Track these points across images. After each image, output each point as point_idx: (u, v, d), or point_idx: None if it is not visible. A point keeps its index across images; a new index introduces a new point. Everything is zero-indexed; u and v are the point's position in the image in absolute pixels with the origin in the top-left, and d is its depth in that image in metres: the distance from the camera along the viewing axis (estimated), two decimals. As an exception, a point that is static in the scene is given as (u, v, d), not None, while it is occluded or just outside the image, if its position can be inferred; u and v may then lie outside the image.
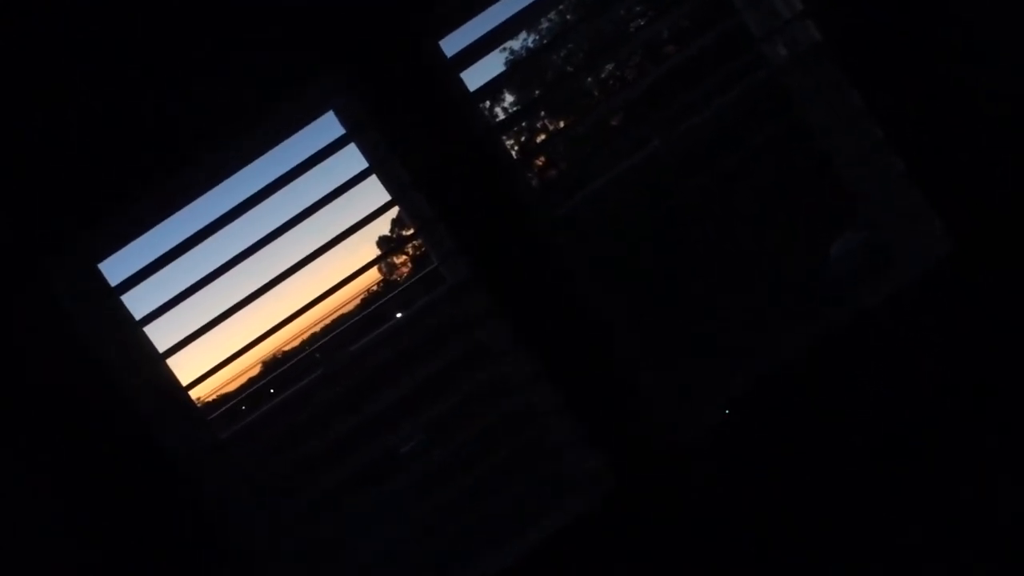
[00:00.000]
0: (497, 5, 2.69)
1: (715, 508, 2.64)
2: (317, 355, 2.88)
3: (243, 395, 2.91)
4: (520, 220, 2.55)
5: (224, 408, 2.84)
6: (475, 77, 2.55)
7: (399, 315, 2.74)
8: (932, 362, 2.70)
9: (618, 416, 2.61)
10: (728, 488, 2.64)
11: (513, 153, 2.92)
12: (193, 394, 2.63)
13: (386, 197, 2.60)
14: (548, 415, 2.65)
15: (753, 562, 2.64)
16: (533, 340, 2.58)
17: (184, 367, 2.70)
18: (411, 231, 2.75)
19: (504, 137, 2.87)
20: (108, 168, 2.39)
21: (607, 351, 2.60)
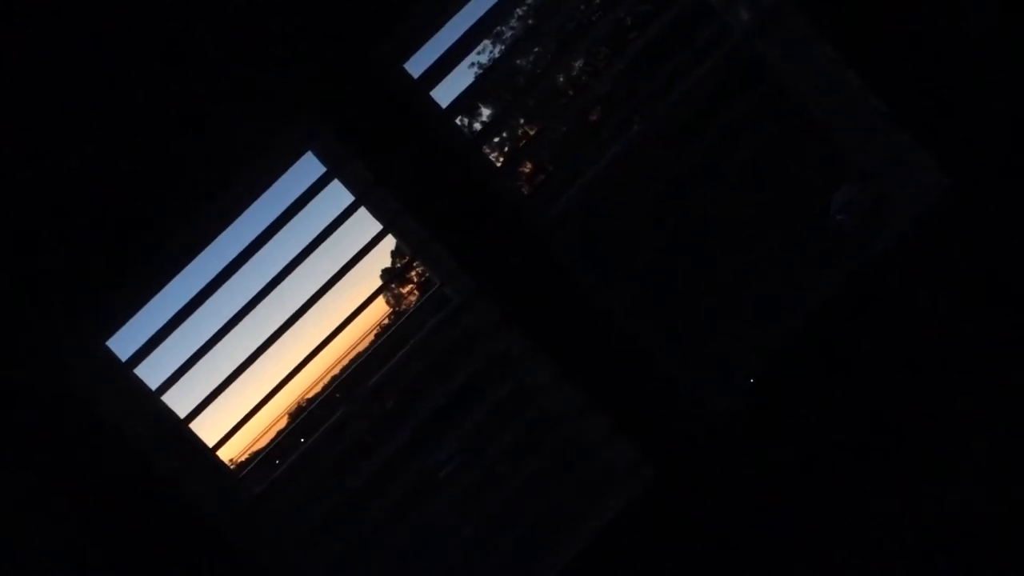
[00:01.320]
0: (458, 19, 2.70)
1: (755, 480, 2.61)
2: (337, 395, 2.87)
3: (273, 448, 2.91)
4: (515, 226, 2.54)
5: (256, 462, 2.84)
6: (447, 93, 2.56)
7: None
8: (946, 300, 2.69)
9: (644, 403, 2.60)
10: (765, 456, 2.62)
11: (497, 162, 2.91)
12: (224, 454, 2.63)
13: (378, 227, 2.60)
14: (575, 415, 2.64)
15: (797, 526, 2.61)
16: (548, 342, 2.57)
17: (209, 428, 2.69)
18: (406, 260, 2.74)
19: (486, 148, 2.86)
20: (93, 255, 2.40)
21: (621, 340, 2.58)
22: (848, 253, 2.86)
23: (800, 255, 2.88)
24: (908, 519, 2.58)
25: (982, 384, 2.65)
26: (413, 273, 7.96)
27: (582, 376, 2.59)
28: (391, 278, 4.23)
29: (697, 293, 2.80)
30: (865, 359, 2.66)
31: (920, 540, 2.56)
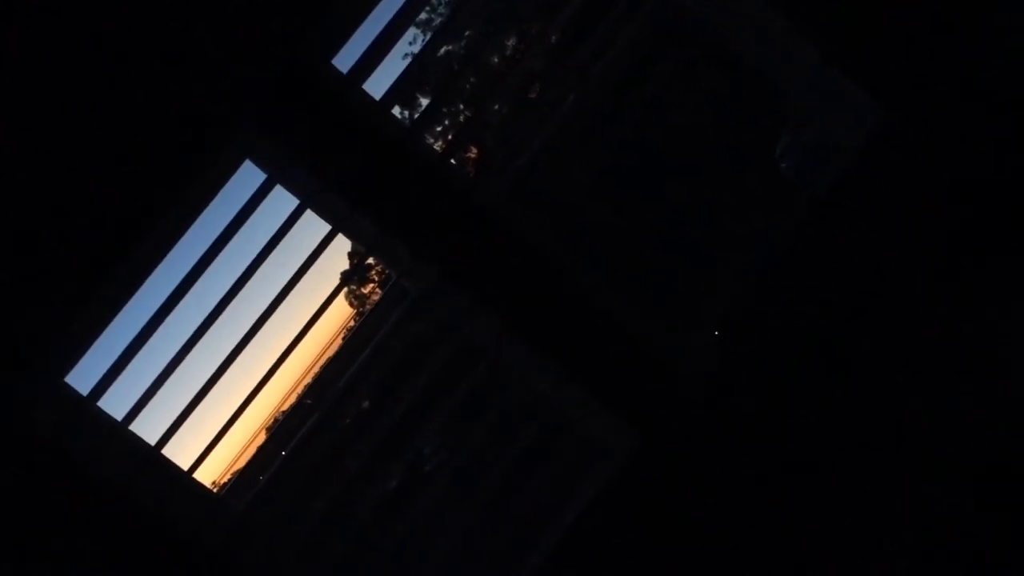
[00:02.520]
0: (382, 10, 2.67)
1: (738, 427, 2.64)
2: (308, 401, 2.85)
3: (253, 463, 2.89)
4: (465, 209, 2.53)
5: (237, 480, 2.82)
6: (382, 85, 2.54)
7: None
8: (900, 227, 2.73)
9: (619, 371, 2.61)
10: (740, 408, 2.65)
11: (440, 148, 2.91)
12: (205, 476, 2.60)
13: (327, 229, 2.57)
14: (552, 393, 2.65)
15: (782, 466, 2.65)
16: (516, 322, 2.57)
17: (186, 451, 2.66)
18: (370, 258, 2.72)
19: (428, 136, 2.85)
20: (38, 291, 2.35)
21: (590, 309, 2.59)
22: (797, 197, 2.89)
23: (752, 205, 2.91)
24: (884, 451, 2.63)
25: (938, 309, 2.70)
26: (372, 271, 7.89)
27: (555, 352, 2.60)
28: (349, 279, 4.19)
29: (655, 255, 2.81)
30: (822, 299, 2.69)
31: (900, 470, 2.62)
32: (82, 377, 2.46)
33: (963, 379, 2.68)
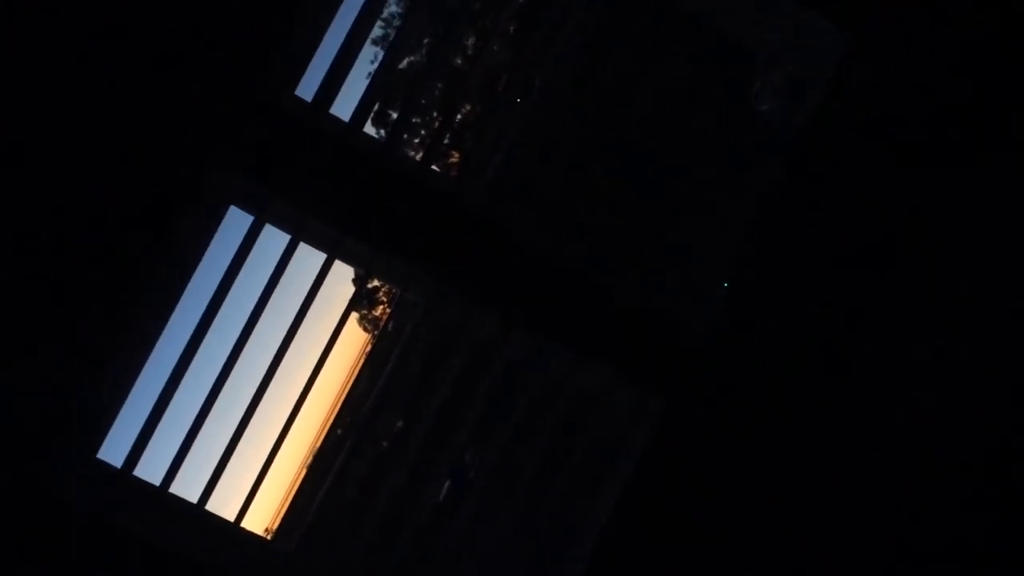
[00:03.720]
0: (334, 36, 2.67)
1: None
2: (339, 431, 2.87)
3: (298, 501, 2.90)
4: (453, 211, 2.53)
5: (285, 521, 2.83)
6: (349, 107, 2.55)
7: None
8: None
9: (633, 341, 2.62)
10: (754, 359, 2.65)
11: (419, 156, 2.92)
12: (253, 524, 2.62)
13: (322, 258, 2.58)
14: (572, 376, 2.65)
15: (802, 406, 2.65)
16: (521, 315, 2.58)
17: (228, 502, 2.67)
18: (371, 281, 2.73)
19: (407, 149, 2.86)
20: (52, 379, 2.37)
21: (590, 289, 2.60)
22: (780, 137, 2.89)
23: (736, 154, 2.90)
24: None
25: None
26: (380, 293, 7.90)
27: (566, 336, 2.60)
28: (357, 304, 4.20)
29: (648, 221, 2.81)
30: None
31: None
32: (113, 450, 2.49)
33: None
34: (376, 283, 3.22)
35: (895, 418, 2.66)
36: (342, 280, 2.74)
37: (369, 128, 2.72)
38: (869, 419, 2.65)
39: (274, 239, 2.54)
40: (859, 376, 2.68)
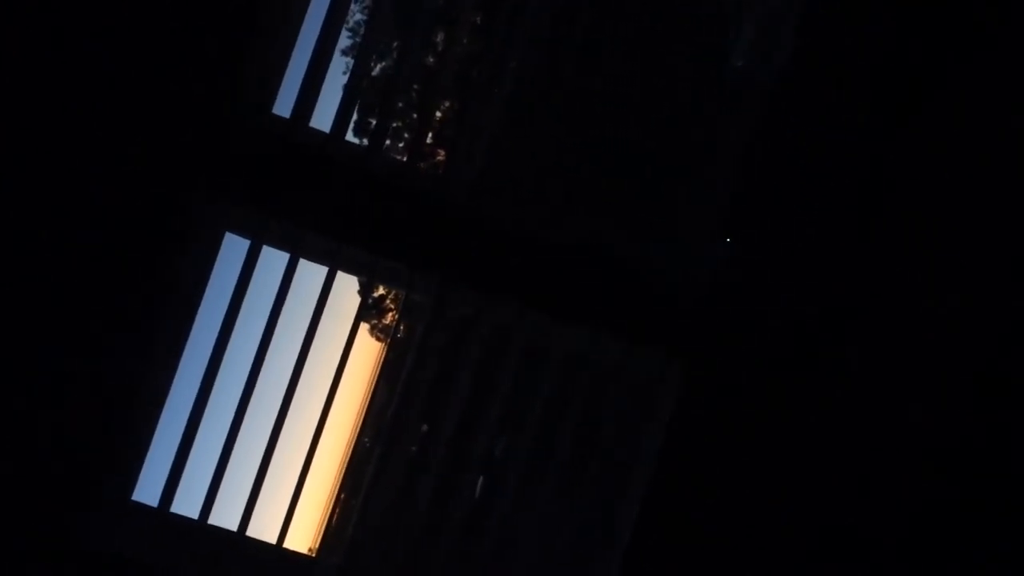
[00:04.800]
0: (302, 51, 2.68)
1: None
2: (366, 440, 2.88)
3: (338, 516, 2.92)
4: (442, 207, 2.54)
5: (328, 536, 2.85)
6: (328, 120, 2.57)
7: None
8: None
9: (641, 307, 2.62)
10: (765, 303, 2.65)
11: (404, 158, 2.92)
12: (296, 543, 2.64)
13: (323, 271, 2.59)
14: (588, 351, 2.66)
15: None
16: (531, 299, 2.59)
17: (268, 525, 2.69)
18: (377, 289, 2.74)
19: (393, 153, 2.87)
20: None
21: (591, 263, 2.60)
22: (758, 86, 2.87)
23: (716, 108, 2.89)
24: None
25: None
26: (387, 300, 7.90)
27: (576, 313, 2.61)
28: (366, 315, 4.21)
29: (638, 184, 2.81)
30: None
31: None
32: (147, 491, 2.51)
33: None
34: (381, 290, 3.23)
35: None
36: (348, 292, 2.75)
37: (351, 136, 2.73)
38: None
39: (273, 259, 2.55)
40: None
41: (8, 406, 2.35)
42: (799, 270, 2.68)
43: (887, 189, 2.70)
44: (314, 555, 2.65)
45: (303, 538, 2.95)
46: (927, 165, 2.69)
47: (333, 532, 2.85)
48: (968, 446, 2.57)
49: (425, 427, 3.36)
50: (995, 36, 2.62)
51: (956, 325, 2.54)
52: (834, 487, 2.58)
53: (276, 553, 2.57)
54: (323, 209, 2.49)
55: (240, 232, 2.54)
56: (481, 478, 3.61)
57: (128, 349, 2.38)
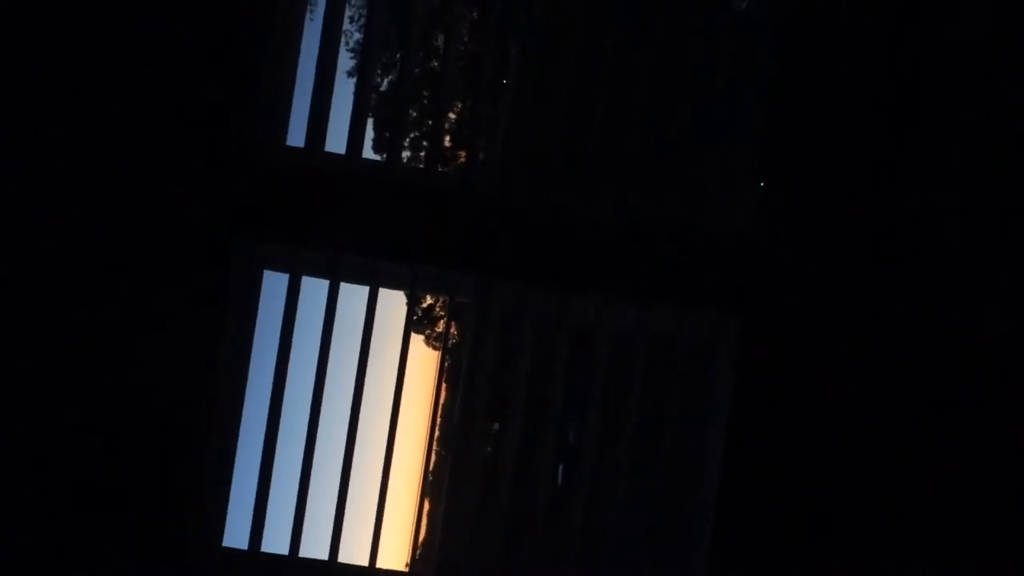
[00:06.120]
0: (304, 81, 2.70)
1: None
2: (440, 450, 2.89)
3: (425, 528, 2.93)
4: (467, 206, 2.55)
5: (419, 550, 2.87)
6: (339, 142, 2.59)
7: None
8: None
9: (686, 270, 2.59)
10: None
11: (422, 165, 2.92)
12: (390, 562, 2.66)
13: (365, 291, 2.60)
14: (640, 322, 2.64)
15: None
16: (569, 282, 2.57)
17: (356, 551, 2.71)
18: (423, 299, 2.76)
19: (408, 160, 2.87)
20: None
21: (626, 236, 2.58)
22: (761, 31, 2.81)
23: (726, 61, 2.83)
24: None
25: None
26: (435, 308, 7.92)
27: (622, 287, 2.59)
28: (418, 325, 4.23)
29: (663, 148, 2.77)
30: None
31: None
32: (235, 535, 2.55)
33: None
34: (428, 299, 3.25)
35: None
36: (394, 306, 2.76)
37: (369, 154, 2.74)
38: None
39: (315, 288, 2.57)
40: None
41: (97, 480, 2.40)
42: (835, 210, 2.62)
43: (914, 124, 2.63)
44: (408, 570, 2.66)
45: (395, 555, 2.97)
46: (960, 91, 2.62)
47: (423, 544, 2.86)
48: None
49: (496, 425, 3.36)
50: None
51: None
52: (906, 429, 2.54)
53: (370, 574, 2.60)
54: (353, 229, 2.50)
55: (277, 268, 2.56)
56: (561, 465, 3.61)
57: (192, 404, 2.42)
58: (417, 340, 3.38)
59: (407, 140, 3.27)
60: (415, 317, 2.96)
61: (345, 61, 2.84)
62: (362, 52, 2.83)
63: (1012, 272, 2.58)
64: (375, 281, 2.59)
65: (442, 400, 2.96)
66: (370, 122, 2.77)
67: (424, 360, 3.15)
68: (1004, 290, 2.57)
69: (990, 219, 2.58)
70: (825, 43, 2.65)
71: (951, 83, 2.62)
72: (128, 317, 2.41)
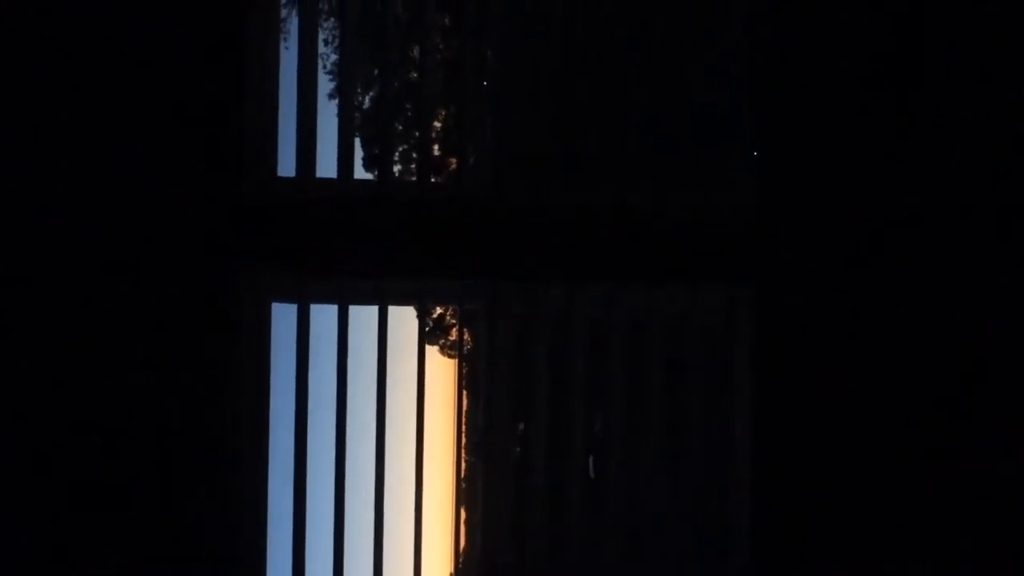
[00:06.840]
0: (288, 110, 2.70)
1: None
2: (469, 458, 2.89)
3: (464, 537, 2.93)
4: (462, 211, 2.56)
5: (462, 560, 2.87)
6: (330, 165, 2.59)
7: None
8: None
9: (692, 246, 2.58)
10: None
11: (414, 178, 2.91)
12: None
13: (375, 311, 2.60)
14: (652, 309, 2.63)
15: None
16: (577, 272, 2.56)
17: (398, 570, 2.71)
18: (432, 311, 2.76)
19: (400, 175, 2.87)
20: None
21: (630, 218, 2.57)
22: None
23: (711, 35, 2.83)
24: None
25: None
26: (446, 318, 7.92)
27: (631, 272, 2.58)
28: (432, 338, 4.22)
29: (660, 133, 2.76)
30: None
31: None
32: (277, 573, 2.55)
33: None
34: (438, 310, 3.25)
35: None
36: (405, 322, 2.76)
37: (361, 173, 2.74)
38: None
39: (324, 314, 2.56)
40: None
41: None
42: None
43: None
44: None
45: (438, 569, 2.97)
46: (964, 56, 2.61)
47: (464, 554, 2.86)
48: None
49: (521, 426, 3.35)
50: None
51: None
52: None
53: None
54: (353, 251, 2.50)
55: (284, 298, 2.56)
56: (591, 457, 3.60)
57: (217, 444, 2.42)
58: (432, 352, 3.37)
59: (397, 155, 3.27)
60: (427, 329, 2.95)
61: (325, 83, 2.84)
62: (340, 73, 2.82)
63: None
64: (383, 300, 2.59)
65: (465, 408, 2.95)
66: (357, 141, 2.77)
67: (442, 371, 3.15)
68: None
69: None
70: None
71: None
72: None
